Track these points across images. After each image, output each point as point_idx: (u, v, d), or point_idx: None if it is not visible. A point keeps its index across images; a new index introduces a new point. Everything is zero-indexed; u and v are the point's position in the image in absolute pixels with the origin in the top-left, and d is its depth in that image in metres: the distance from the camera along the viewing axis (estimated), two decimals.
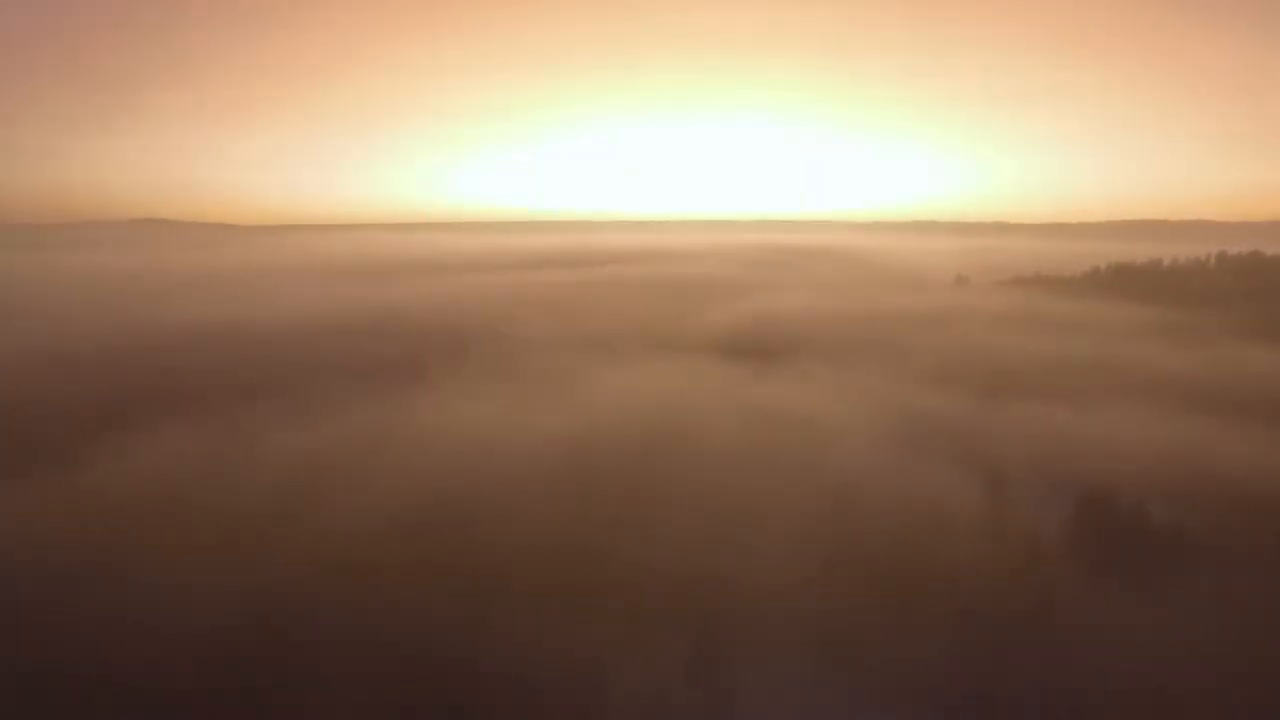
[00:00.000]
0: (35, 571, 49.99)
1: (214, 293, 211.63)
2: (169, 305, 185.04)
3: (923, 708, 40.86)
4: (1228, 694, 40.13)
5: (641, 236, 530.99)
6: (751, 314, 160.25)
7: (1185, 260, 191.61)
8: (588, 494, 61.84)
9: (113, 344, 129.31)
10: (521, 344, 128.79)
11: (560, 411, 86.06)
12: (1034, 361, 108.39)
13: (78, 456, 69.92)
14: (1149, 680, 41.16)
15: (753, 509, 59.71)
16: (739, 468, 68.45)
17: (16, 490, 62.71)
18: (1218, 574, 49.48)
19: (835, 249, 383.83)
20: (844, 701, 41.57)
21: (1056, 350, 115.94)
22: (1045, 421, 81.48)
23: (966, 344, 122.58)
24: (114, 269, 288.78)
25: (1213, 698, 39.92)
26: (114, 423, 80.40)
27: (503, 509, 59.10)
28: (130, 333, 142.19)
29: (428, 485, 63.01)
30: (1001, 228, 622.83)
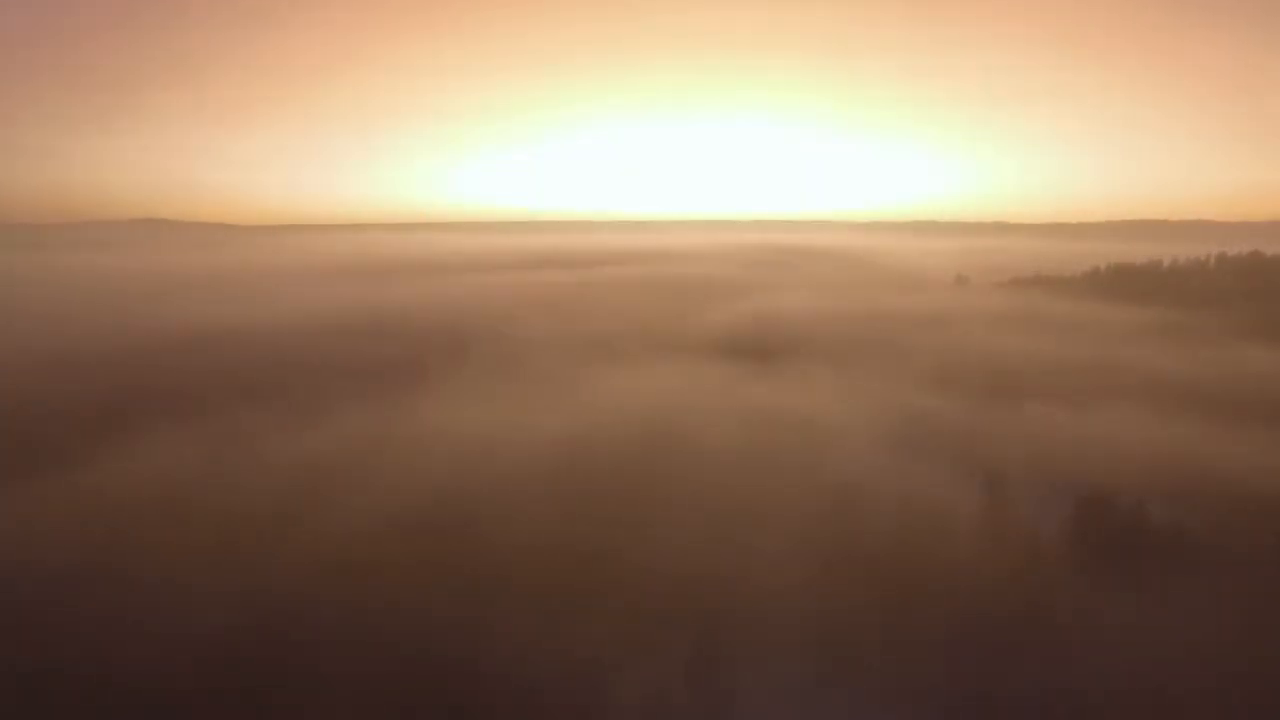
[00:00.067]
0: (35, 571, 50.01)
1: (214, 293, 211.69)
2: (169, 305, 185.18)
3: (923, 708, 40.89)
4: (1228, 694, 40.15)
5: (641, 236, 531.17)
6: (751, 314, 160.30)
7: (1185, 260, 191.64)
8: (588, 494, 61.86)
9: (113, 344, 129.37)
10: (521, 344, 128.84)
11: (560, 411, 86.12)
12: (1034, 362, 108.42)
13: (78, 456, 69.97)
14: (1149, 680, 41.19)
15: (753, 509, 59.76)
16: (739, 468, 68.49)
17: (17, 490, 62.74)
18: (1218, 574, 49.48)
19: (835, 249, 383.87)
20: (844, 701, 41.61)
21: (1056, 350, 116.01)
22: (1045, 422, 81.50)
23: (966, 344, 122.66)
24: (114, 269, 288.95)
25: (1213, 698, 39.94)
26: (114, 423, 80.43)
27: (503, 509, 59.14)
28: (130, 333, 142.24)
29: (428, 485, 63.05)
30: (1001, 228, 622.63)
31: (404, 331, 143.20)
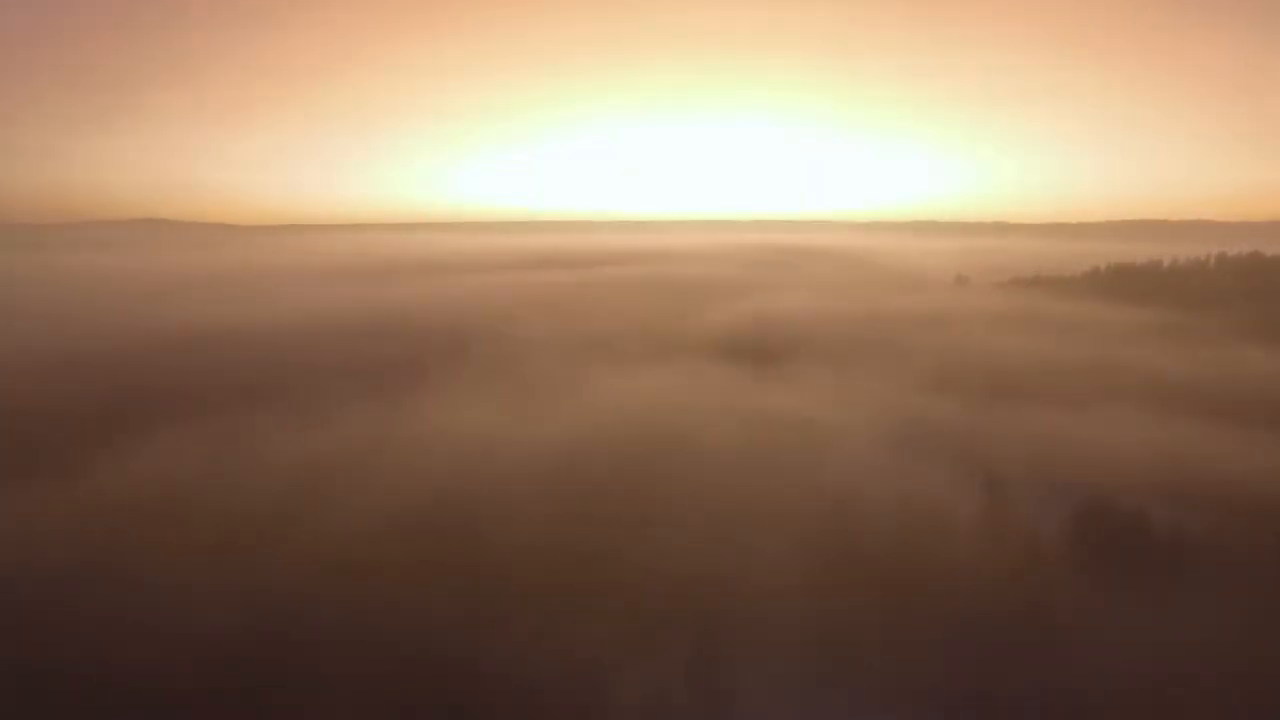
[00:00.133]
0: (35, 571, 49.98)
1: (214, 293, 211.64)
2: (169, 305, 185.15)
3: (923, 708, 40.90)
4: (1228, 694, 40.15)
5: (641, 236, 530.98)
6: (751, 314, 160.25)
7: (1185, 261, 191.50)
8: (587, 494, 61.86)
9: (113, 344, 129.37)
10: (521, 344, 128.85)
11: (560, 411, 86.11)
12: (1034, 362, 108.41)
13: (78, 456, 69.89)
14: (1149, 680, 41.19)
15: (753, 509, 59.75)
16: (739, 468, 68.48)
17: (17, 490, 62.72)
18: (1217, 574, 49.49)
19: (835, 249, 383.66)
20: (844, 701, 41.62)
21: (1056, 351, 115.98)
22: (1045, 422, 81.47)
23: (966, 344, 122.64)
24: (114, 269, 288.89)
25: (1213, 698, 39.95)
26: (114, 423, 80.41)
27: (503, 509, 59.13)
28: (130, 333, 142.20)
29: (428, 485, 63.05)
30: (1001, 228, 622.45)
31: (404, 332, 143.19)
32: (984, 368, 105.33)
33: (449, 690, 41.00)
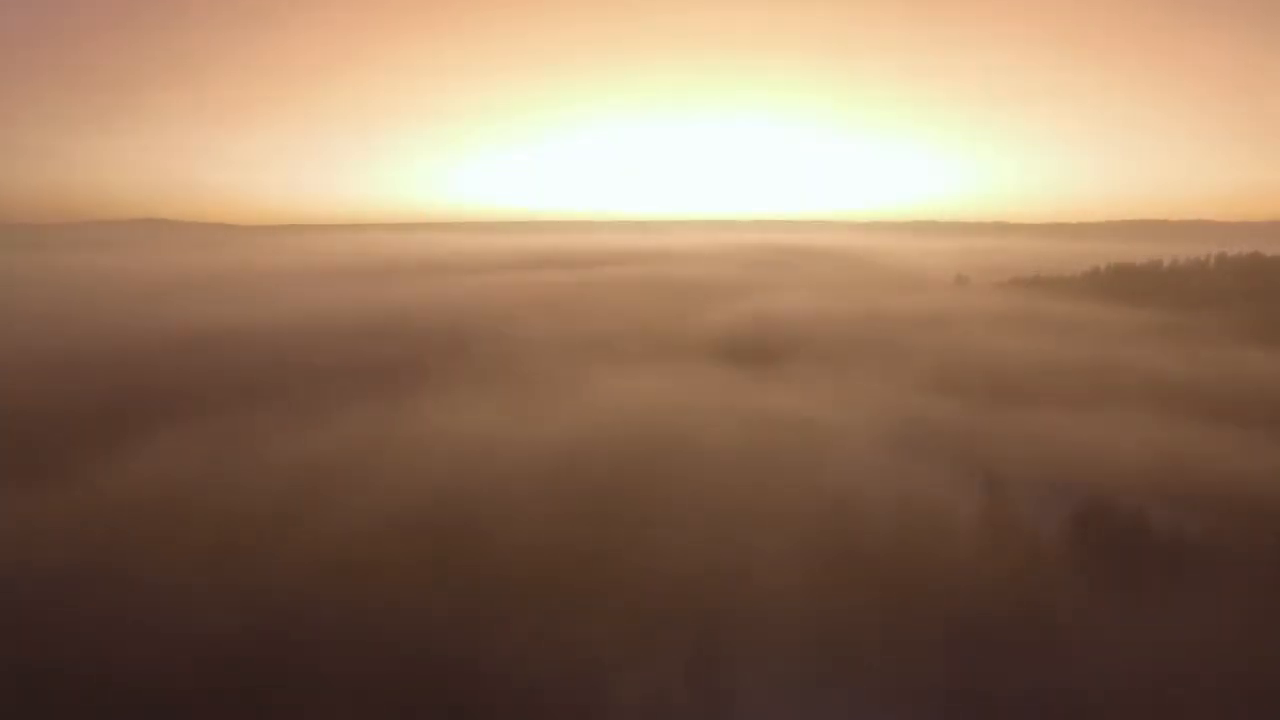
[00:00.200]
0: (35, 571, 50.00)
1: (214, 293, 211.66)
2: (169, 305, 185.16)
3: (923, 708, 40.92)
4: (1228, 694, 40.16)
5: (641, 236, 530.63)
6: (751, 314, 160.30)
7: (1185, 261, 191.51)
8: (587, 494, 61.88)
9: (113, 344, 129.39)
10: (521, 344, 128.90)
11: (560, 411, 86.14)
12: (1034, 362, 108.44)
13: (78, 456, 69.95)
14: (1149, 680, 41.21)
15: (752, 509, 59.78)
16: (738, 468, 68.51)
17: (17, 490, 62.73)
18: (1217, 575, 49.50)
19: (835, 249, 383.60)
20: (844, 701, 41.63)
21: (1056, 351, 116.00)
22: (1045, 423, 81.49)
23: (966, 345, 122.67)
24: (114, 269, 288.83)
25: (1212, 698, 39.96)
26: (114, 423, 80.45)
27: (503, 509, 59.15)
28: (130, 333, 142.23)
29: (428, 485, 63.08)
30: (1001, 228, 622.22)
31: (404, 332, 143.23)
32: (984, 368, 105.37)
33: (449, 690, 41.01)
